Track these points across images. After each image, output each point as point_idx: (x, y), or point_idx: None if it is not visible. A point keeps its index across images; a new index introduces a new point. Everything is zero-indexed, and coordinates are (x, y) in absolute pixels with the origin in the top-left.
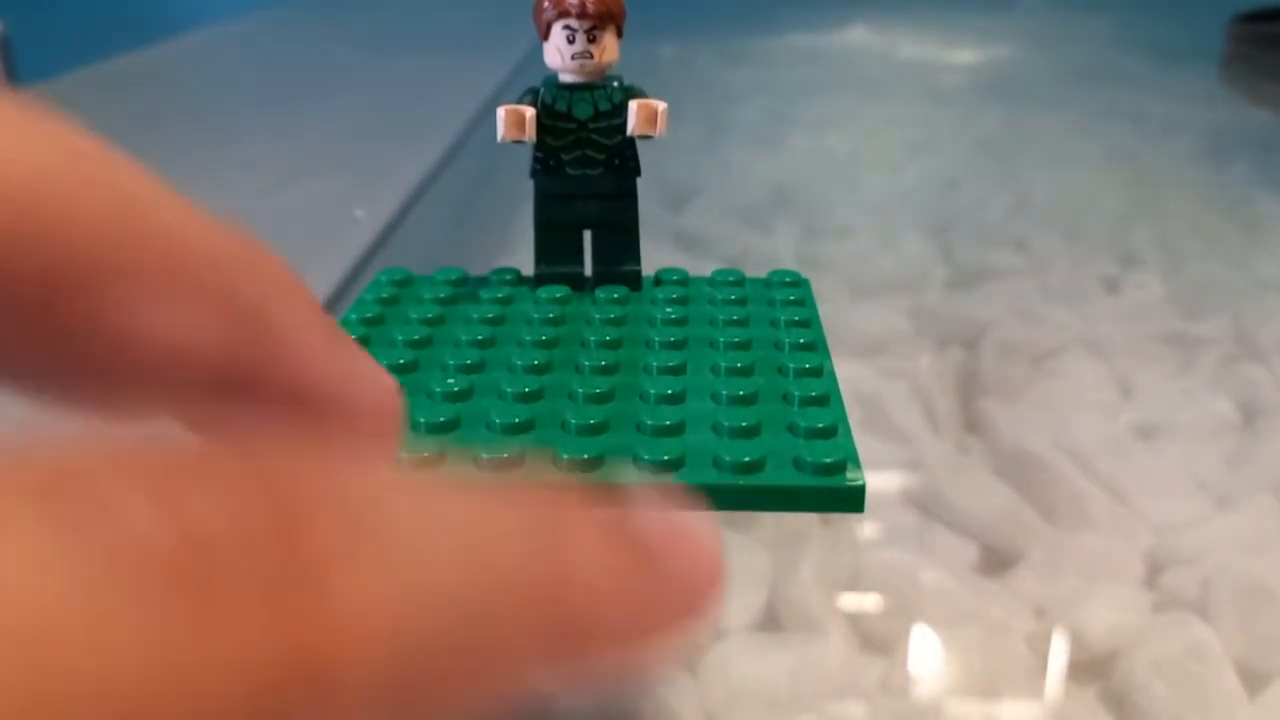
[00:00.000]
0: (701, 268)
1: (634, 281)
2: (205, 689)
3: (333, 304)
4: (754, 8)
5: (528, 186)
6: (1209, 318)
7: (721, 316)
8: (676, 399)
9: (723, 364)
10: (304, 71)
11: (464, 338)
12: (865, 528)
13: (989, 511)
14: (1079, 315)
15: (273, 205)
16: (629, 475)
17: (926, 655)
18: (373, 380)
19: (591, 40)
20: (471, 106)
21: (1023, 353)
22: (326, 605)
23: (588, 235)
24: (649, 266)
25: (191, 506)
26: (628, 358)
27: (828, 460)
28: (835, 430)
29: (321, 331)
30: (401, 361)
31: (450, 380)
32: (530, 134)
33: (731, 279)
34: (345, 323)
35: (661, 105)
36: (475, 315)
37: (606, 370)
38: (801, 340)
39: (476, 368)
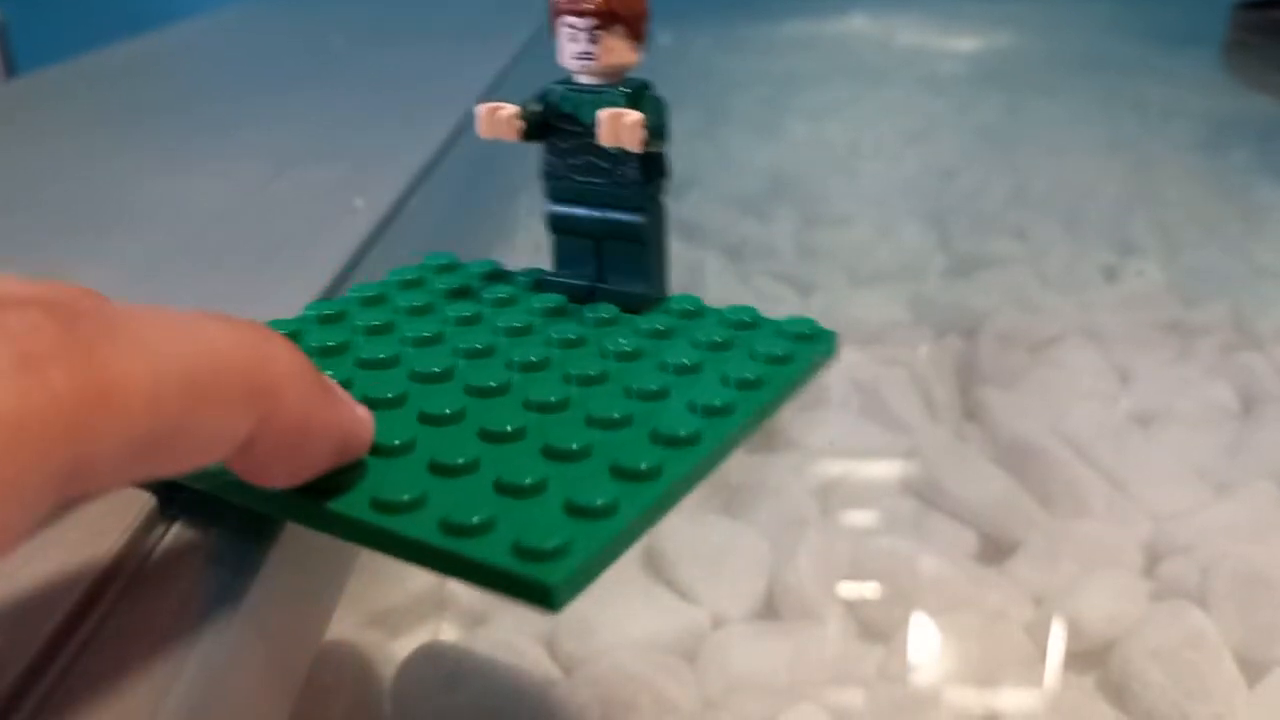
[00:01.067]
0: (699, 257)
1: (636, 304)
2: (40, 413)
3: (333, 291)
4: None
5: (526, 174)
6: (1208, 305)
7: (672, 360)
8: (505, 438)
9: (594, 413)
10: (302, 59)
11: (409, 333)
12: (863, 515)
13: (987, 499)
14: (1077, 303)
15: (271, 194)
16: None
17: (925, 643)
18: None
19: (594, 40)
20: (471, 94)
21: (1021, 341)
22: (97, 364)
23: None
24: None
25: (12, 324)
26: (529, 383)
27: (544, 544)
28: (608, 512)
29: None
30: (333, 344)
31: (381, 353)
32: (509, 134)
33: (744, 319)
34: (360, 286)
35: (632, 116)
36: (451, 311)
37: (486, 392)
38: (716, 403)
39: (388, 363)
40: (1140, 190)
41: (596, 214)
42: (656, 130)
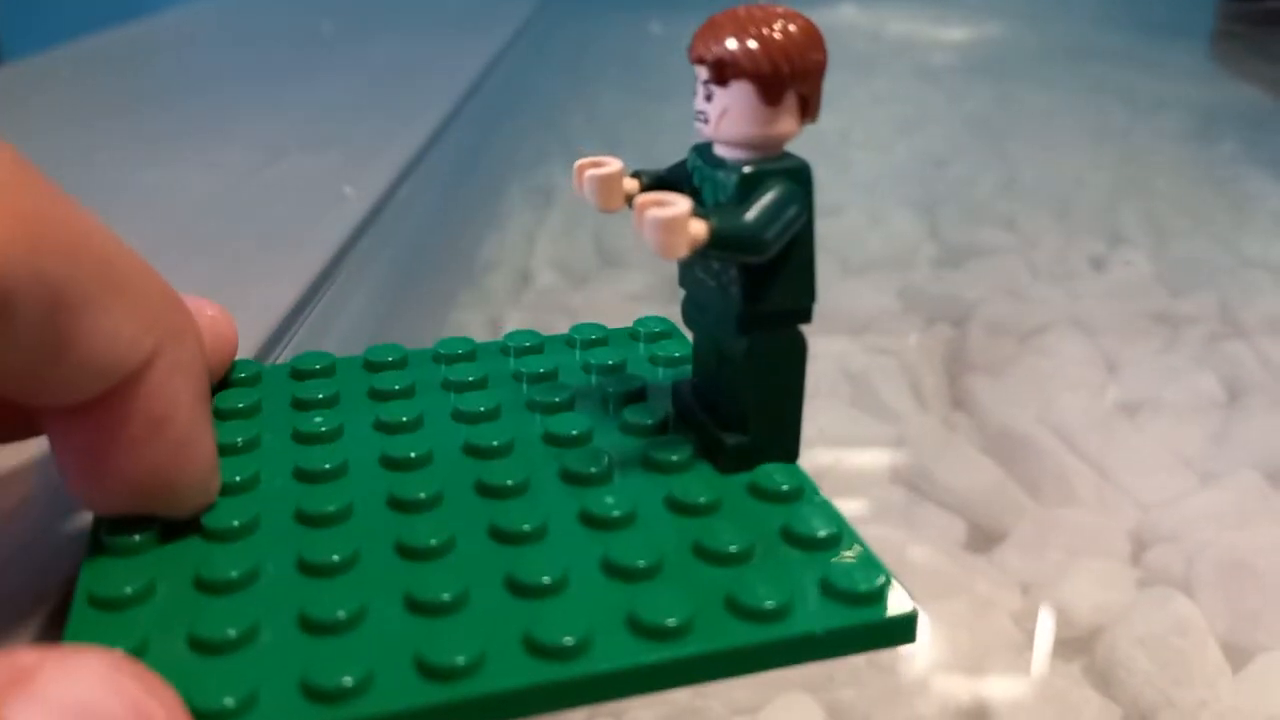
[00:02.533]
0: None
1: (719, 457)
2: None
3: (324, 279)
4: None
5: (517, 167)
6: (1195, 296)
7: (621, 561)
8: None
9: (519, 578)
10: (292, 48)
11: (474, 406)
12: (853, 504)
13: (976, 488)
14: (1066, 293)
15: (261, 182)
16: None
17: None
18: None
19: (708, 98)
20: (461, 84)
21: (1010, 330)
22: None
23: None
24: (637, 242)
25: None
26: (493, 515)
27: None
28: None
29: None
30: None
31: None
32: (603, 202)
33: (819, 534)
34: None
35: (669, 211)
36: (540, 398)
37: (409, 504)
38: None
39: (411, 424)
40: (1129, 180)
41: (708, 319)
42: (731, 235)
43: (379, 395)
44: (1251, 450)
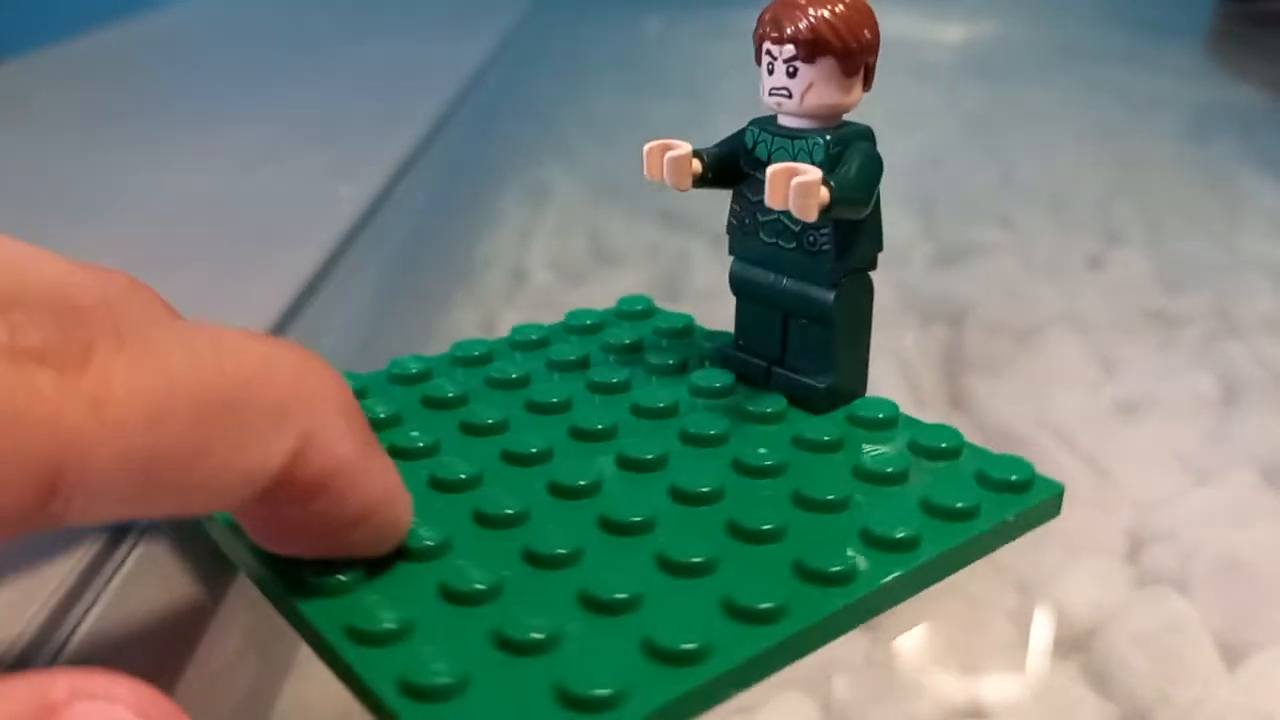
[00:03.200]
0: (685, 246)
1: (813, 400)
2: (18, 406)
3: (318, 279)
4: None
5: (512, 166)
6: (1191, 294)
7: (807, 491)
8: (556, 562)
9: (672, 556)
10: (286, 47)
11: (537, 398)
12: None
13: None
14: (1062, 292)
15: (255, 182)
16: None
17: (910, 630)
18: None
19: (792, 74)
20: (455, 84)
21: (1006, 329)
22: (93, 370)
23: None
24: (634, 241)
25: (13, 318)
26: (625, 491)
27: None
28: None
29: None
30: (453, 395)
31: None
32: (672, 179)
33: (939, 445)
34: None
35: (808, 175)
36: (598, 376)
37: (578, 492)
38: (831, 568)
39: (498, 428)
40: (1125, 179)
41: (782, 283)
42: (847, 195)
43: (503, 384)
44: (1248, 449)
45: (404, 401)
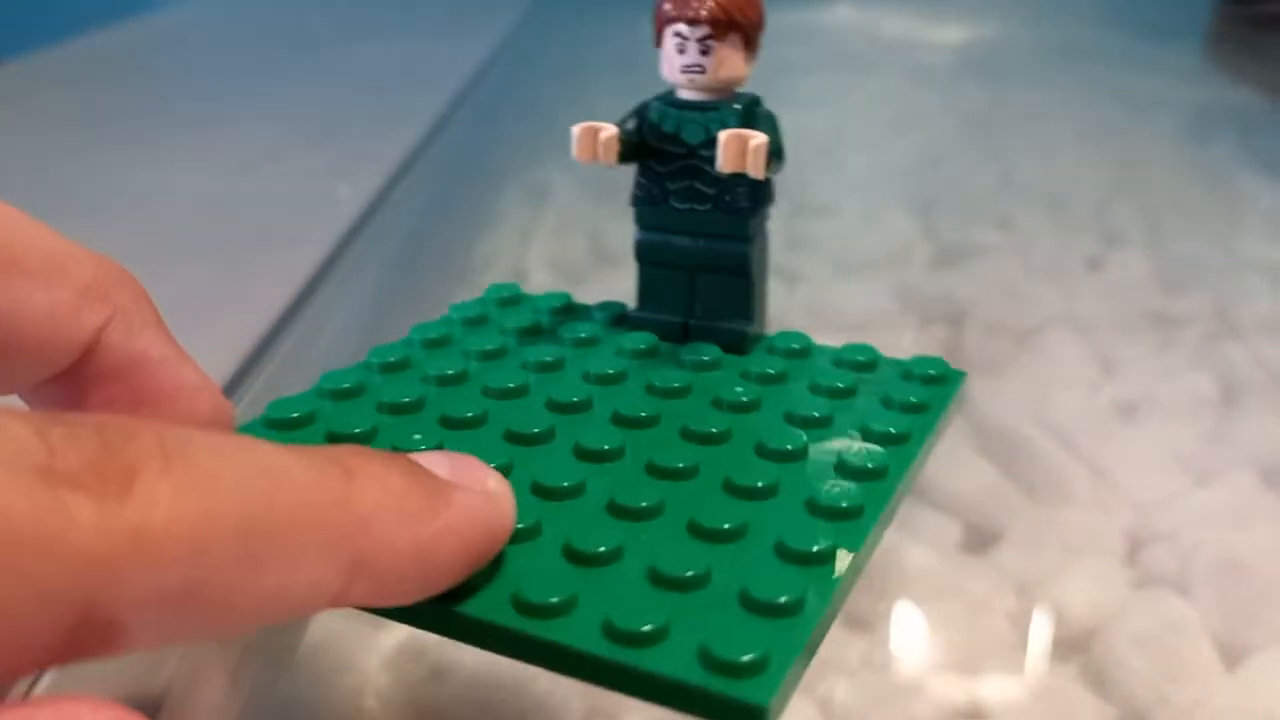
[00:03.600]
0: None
1: (736, 342)
2: (50, 538)
3: (318, 279)
4: None
5: (511, 166)
6: (1190, 296)
7: (799, 410)
8: (640, 514)
9: (735, 480)
10: (285, 48)
11: (492, 384)
12: None
13: (971, 488)
14: (1062, 293)
15: (255, 182)
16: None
17: (909, 632)
18: (202, 389)
19: (705, 52)
20: (455, 83)
21: (1006, 330)
22: (136, 498)
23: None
24: (632, 239)
25: (54, 434)
26: (646, 443)
27: (739, 658)
28: (794, 609)
29: (164, 338)
30: (408, 400)
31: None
32: (605, 157)
33: (860, 359)
34: (421, 326)
35: (756, 139)
36: (530, 356)
37: (599, 456)
38: (869, 465)
39: (475, 422)
40: (1124, 180)
41: (697, 244)
42: (777, 152)
43: (450, 380)
44: (1247, 450)
45: (362, 414)
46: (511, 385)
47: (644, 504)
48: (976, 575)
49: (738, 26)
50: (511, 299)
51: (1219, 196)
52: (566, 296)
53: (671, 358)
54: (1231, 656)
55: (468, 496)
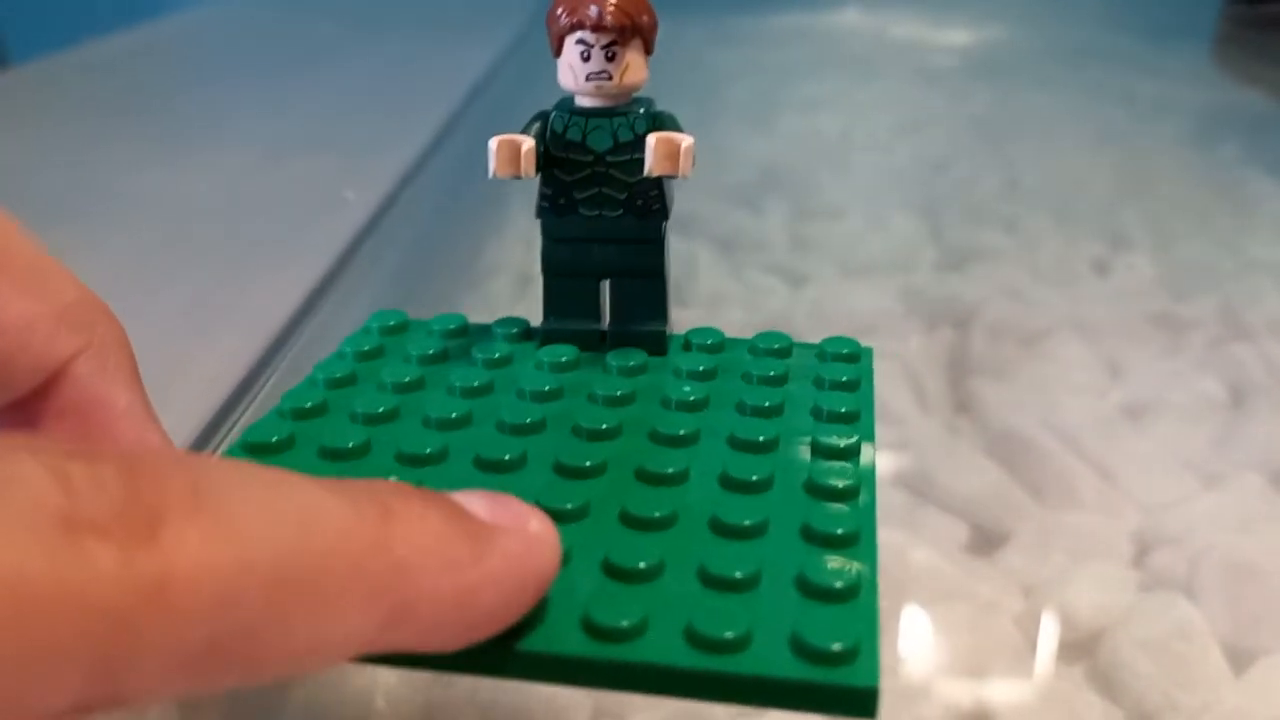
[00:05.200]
0: (692, 249)
1: (657, 343)
2: (69, 592)
3: (326, 283)
4: None
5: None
6: (1198, 299)
7: (751, 401)
8: (660, 524)
9: (732, 473)
10: (293, 52)
11: (434, 414)
12: None
13: (978, 491)
14: (1068, 296)
15: (262, 185)
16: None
17: (916, 634)
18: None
19: (610, 58)
20: (462, 87)
21: (1012, 333)
22: (162, 547)
23: (606, 286)
24: None
25: (75, 474)
26: (623, 451)
27: (831, 646)
28: (855, 591)
29: (135, 387)
30: (353, 445)
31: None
32: (527, 169)
33: (775, 346)
34: (312, 381)
35: (686, 140)
36: (458, 381)
37: (586, 473)
38: (841, 443)
39: (438, 457)
40: (1131, 183)
41: (610, 250)
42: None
43: (378, 419)
44: (1255, 453)
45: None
46: (455, 415)
47: (658, 514)
48: (983, 577)
49: (640, 30)
50: (400, 326)
51: (1226, 199)
52: (461, 318)
53: (598, 366)
54: (1240, 660)
55: (511, 541)
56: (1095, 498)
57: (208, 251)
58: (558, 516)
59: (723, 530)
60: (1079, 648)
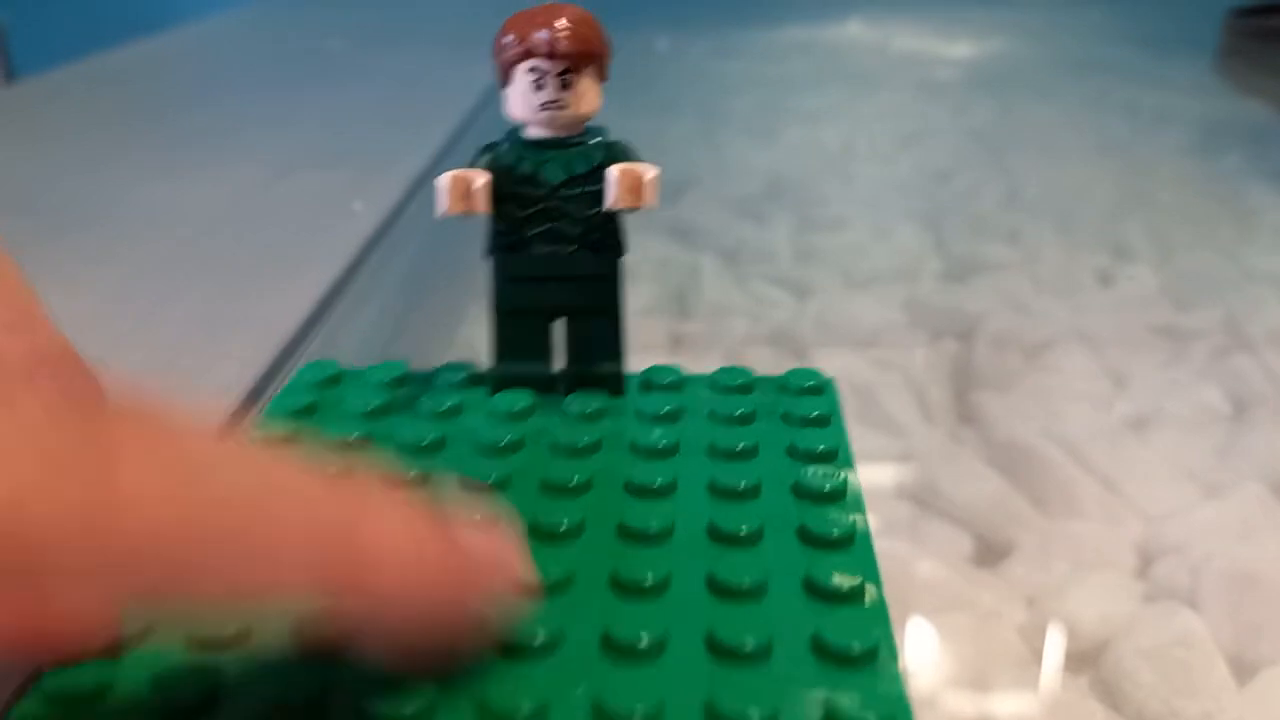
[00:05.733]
0: (696, 260)
1: (615, 384)
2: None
3: (333, 294)
4: (750, 1)
5: None
6: (1200, 309)
7: (724, 444)
8: (655, 590)
9: (721, 525)
10: (300, 64)
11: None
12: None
13: (982, 502)
14: (1071, 307)
15: (271, 198)
16: None
17: (920, 645)
18: None
19: (565, 86)
20: (470, 100)
21: (1015, 344)
22: (109, 481)
23: (560, 324)
24: (644, 257)
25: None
26: (599, 507)
27: (865, 716)
28: (876, 654)
29: None
30: None
31: None
32: (481, 205)
33: (738, 382)
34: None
35: (650, 172)
36: (408, 437)
37: (563, 535)
38: (827, 487)
39: None
40: (1133, 194)
41: (565, 288)
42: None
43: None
44: (1257, 463)
45: None
46: (408, 476)
47: (651, 580)
48: (987, 587)
49: (595, 57)
50: (334, 378)
51: (1229, 210)
52: (401, 366)
53: (556, 411)
54: (1243, 670)
55: (482, 551)
56: (1098, 508)
57: (217, 262)
58: (551, 588)
59: (724, 592)
60: (1082, 657)
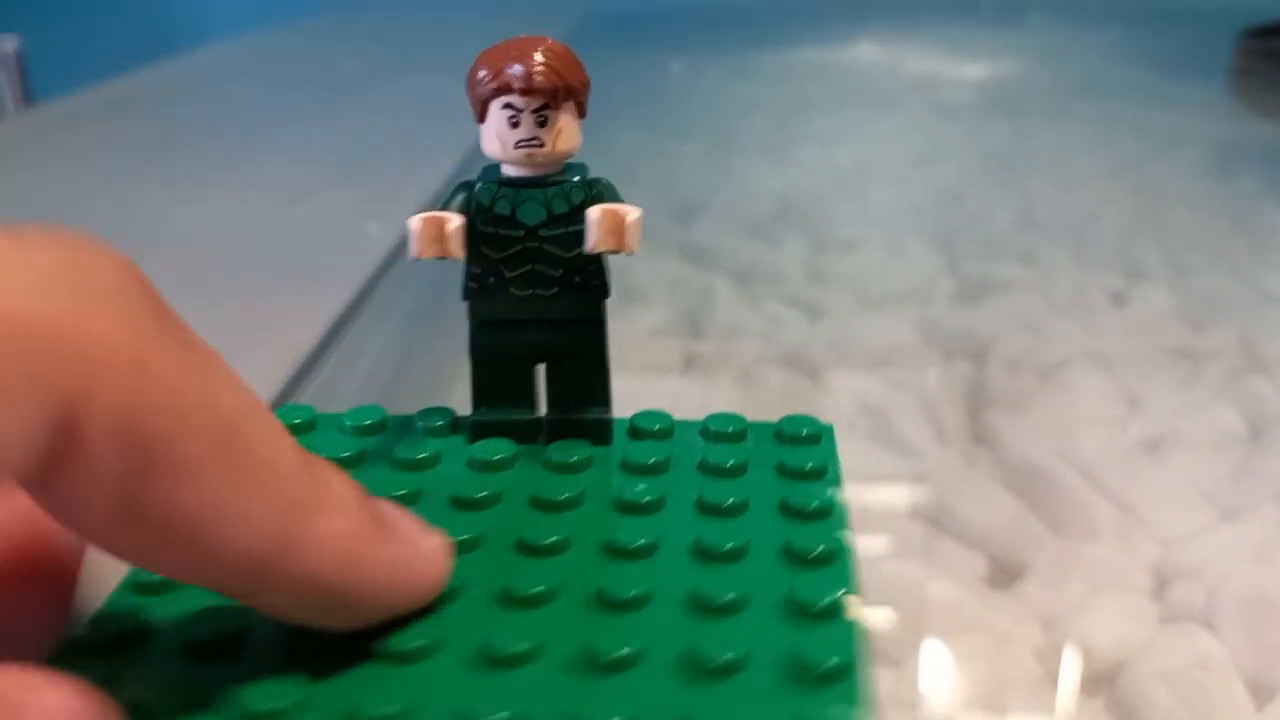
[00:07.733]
0: (709, 282)
1: (600, 433)
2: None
3: (348, 316)
4: (763, 24)
5: None
6: (1215, 331)
7: (711, 499)
8: (625, 663)
9: (704, 595)
10: (317, 87)
11: None
12: (873, 540)
13: (996, 523)
14: (1085, 328)
15: (287, 219)
16: None
17: (935, 666)
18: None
19: (542, 123)
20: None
21: (1029, 365)
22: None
23: (541, 370)
24: (657, 277)
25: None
26: (574, 569)
27: None
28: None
29: None
30: None
31: None
32: (455, 250)
33: (730, 430)
34: None
35: (632, 213)
36: (380, 490)
37: (533, 601)
38: (821, 549)
39: None
40: (1147, 215)
41: (545, 332)
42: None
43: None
44: (1273, 485)
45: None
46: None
47: (625, 651)
48: (1001, 609)
49: (573, 92)
50: (307, 424)
51: (1243, 231)
52: (379, 411)
53: (538, 462)
54: (1261, 693)
55: (411, 543)
56: (1113, 529)
57: (231, 285)
58: (510, 659)
59: (701, 670)
60: (1098, 679)
